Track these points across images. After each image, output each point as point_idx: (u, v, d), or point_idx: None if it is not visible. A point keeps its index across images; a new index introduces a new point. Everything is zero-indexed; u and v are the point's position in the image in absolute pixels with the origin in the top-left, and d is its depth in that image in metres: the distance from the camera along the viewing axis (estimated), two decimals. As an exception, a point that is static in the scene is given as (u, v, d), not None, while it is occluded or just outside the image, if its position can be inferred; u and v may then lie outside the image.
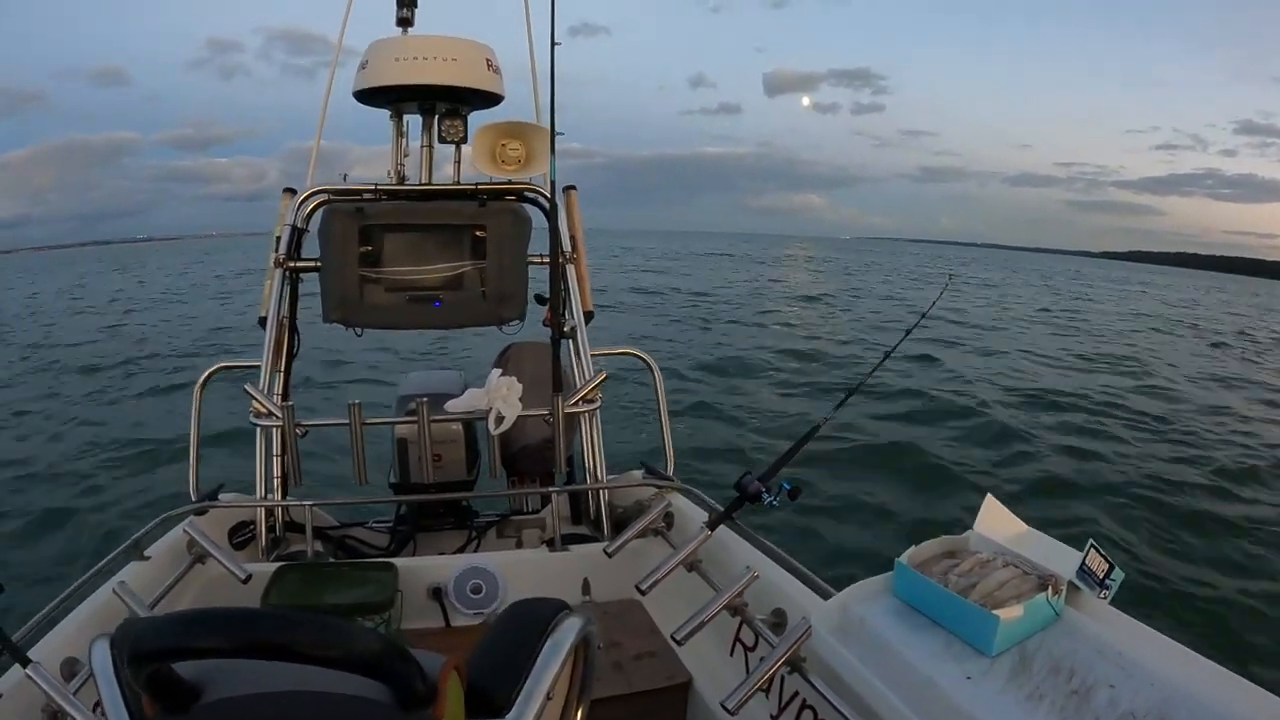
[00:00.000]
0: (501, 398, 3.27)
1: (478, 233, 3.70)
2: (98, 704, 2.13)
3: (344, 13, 3.99)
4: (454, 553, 3.57)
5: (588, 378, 3.60)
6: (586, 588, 3.19)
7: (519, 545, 3.73)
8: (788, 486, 2.50)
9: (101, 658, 1.18)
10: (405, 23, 3.83)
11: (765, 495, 2.51)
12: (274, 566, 3.07)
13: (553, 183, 3.55)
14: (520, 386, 3.31)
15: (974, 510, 2.39)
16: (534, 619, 1.48)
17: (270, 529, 3.58)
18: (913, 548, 2.24)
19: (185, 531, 2.98)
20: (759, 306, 26.94)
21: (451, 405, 3.40)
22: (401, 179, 3.85)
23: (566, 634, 1.43)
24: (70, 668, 2.21)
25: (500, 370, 3.36)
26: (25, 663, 1.96)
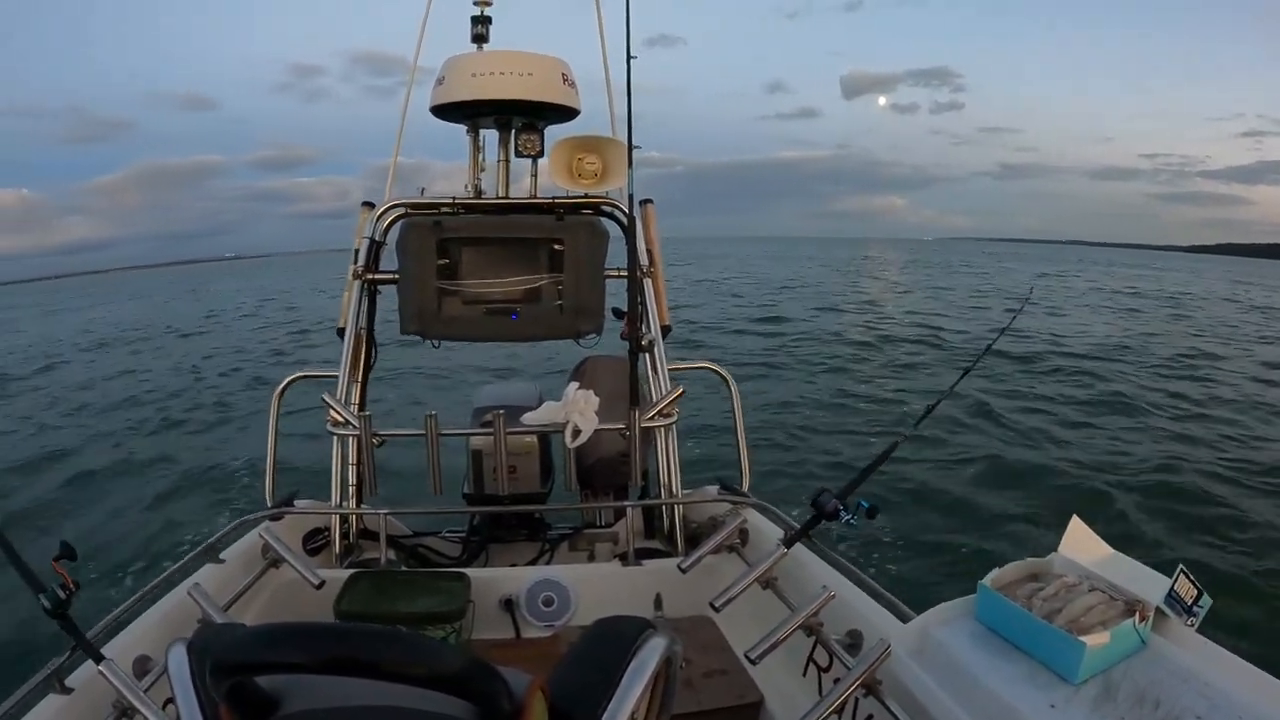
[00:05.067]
0: (579, 411, 3.32)
1: (555, 246, 3.75)
2: (168, 701, 2.19)
3: (418, 31, 4.10)
4: (526, 565, 3.62)
5: (664, 392, 3.64)
6: (659, 603, 3.21)
7: (591, 559, 3.76)
8: (866, 505, 2.48)
9: (178, 662, 1.21)
10: (480, 39, 3.91)
11: (843, 513, 2.49)
12: (347, 573, 3.15)
13: (631, 196, 3.60)
14: (597, 400, 3.36)
15: (1054, 530, 2.33)
16: (618, 638, 1.48)
17: (344, 536, 3.67)
18: (996, 570, 2.20)
19: (260, 536, 3.07)
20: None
21: (528, 418, 3.46)
22: (478, 193, 3.92)
23: (651, 654, 1.43)
24: (142, 665, 2.28)
25: (577, 384, 3.41)
26: (98, 659, 2.05)
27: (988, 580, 2.15)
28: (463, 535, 3.96)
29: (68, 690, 2.13)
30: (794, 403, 12.79)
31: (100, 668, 2.02)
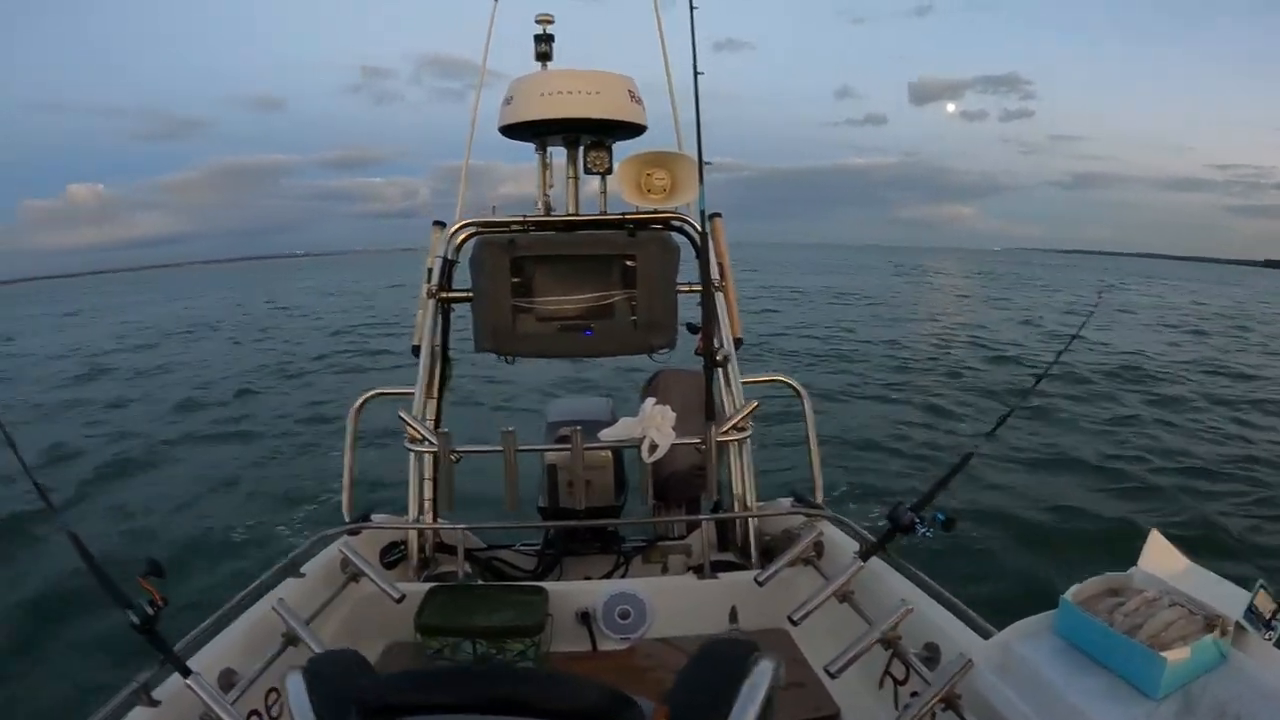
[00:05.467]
0: (655, 426, 3.34)
1: (628, 262, 3.77)
2: (252, 713, 2.25)
3: (485, 41, 4.19)
4: (601, 578, 3.65)
5: (738, 406, 3.66)
6: (734, 615, 3.20)
7: (664, 571, 3.79)
8: (942, 517, 2.51)
9: (297, 689, 1.25)
10: (544, 57, 3.94)
11: (919, 526, 2.52)
12: (426, 587, 3.22)
13: (702, 212, 3.65)
14: (674, 415, 3.38)
15: (1131, 544, 2.32)
16: (729, 661, 1.52)
17: (420, 550, 3.74)
18: (1077, 585, 2.20)
19: (340, 551, 3.15)
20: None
21: (605, 434, 3.50)
22: (548, 210, 3.96)
23: (762, 677, 1.47)
24: (228, 679, 2.37)
25: (654, 399, 3.43)
26: (186, 673, 2.11)
27: (1069, 595, 2.15)
28: (537, 549, 4.00)
29: (155, 703, 2.19)
30: (858, 414, 12.72)
31: (188, 682, 2.09)
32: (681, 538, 3.98)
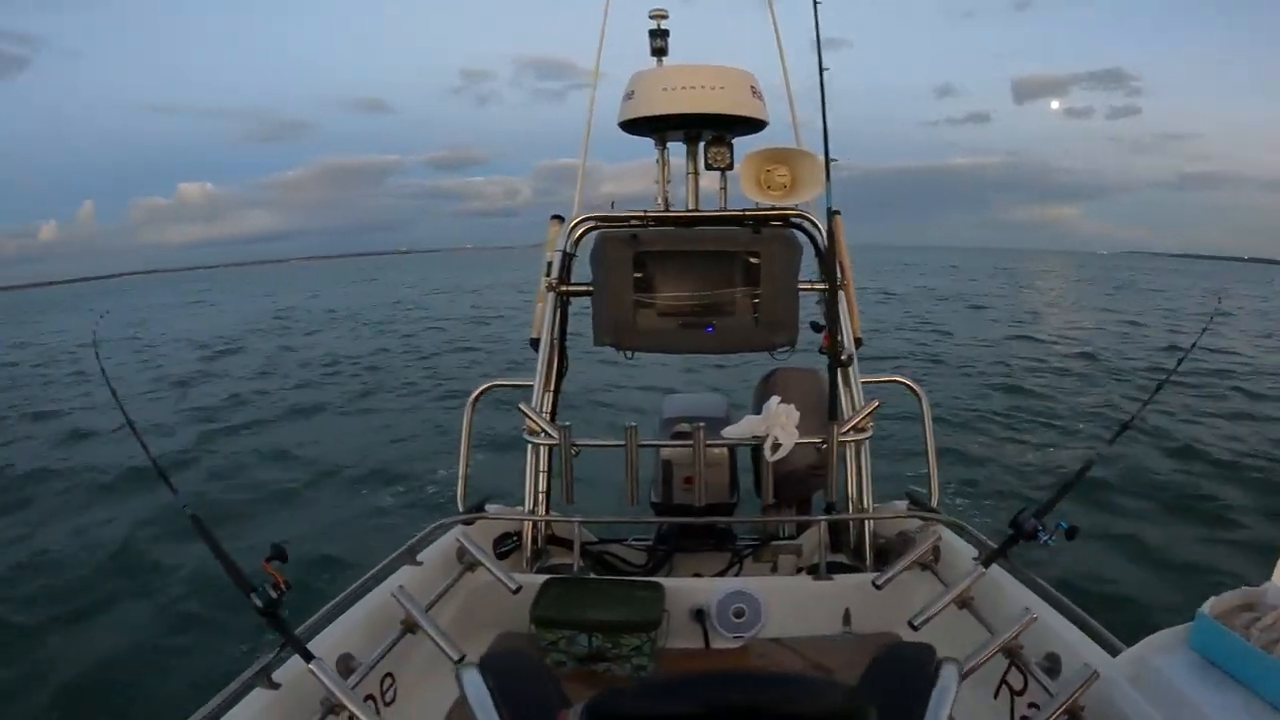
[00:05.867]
0: (780, 425, 3.33)
1: (751, 259, 3.74)
2: (367, 698, 2.30)
3: (599, 38, 4.21)
4: (713, 575, 3.64)
5: (858, 406, 3.63)
6: (847, 618, 3.19)
7: (774, 571, 3.78)
8: (1065, 526, 2.47)
9: (476, 687, 1.25)
10: (660, 53, 3.95)
11: (1041, 533, 2.48)
12: (540, 578, 3.24)
13: (829, 209, 3.64)
14: (798, 414, 3.36)
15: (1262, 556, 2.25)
16: (917, 665, 1.51)
17: (532, 541, 3.79)
18: (1213, 598, 2.14)
19: (457, 540, 3.19)
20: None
21: (729, 431, 3.50)
22: (667, 205, 3.98)
23: (950, 680, 1.46)
24: (346, 664, 2.42)
25: (778, 398, 3.41)
26: (308, 658, 2.17)
27: (1206, 608, 2.10)
28: (648, 544, 4.00)
29: (275, 686, 2.24)
30: (967, 418, 12.53)
31: (310, 666, 2.14)
32: (792, 538, 3.95)
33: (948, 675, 1.45)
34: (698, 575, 3.61)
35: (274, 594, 2.14)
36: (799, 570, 3.70)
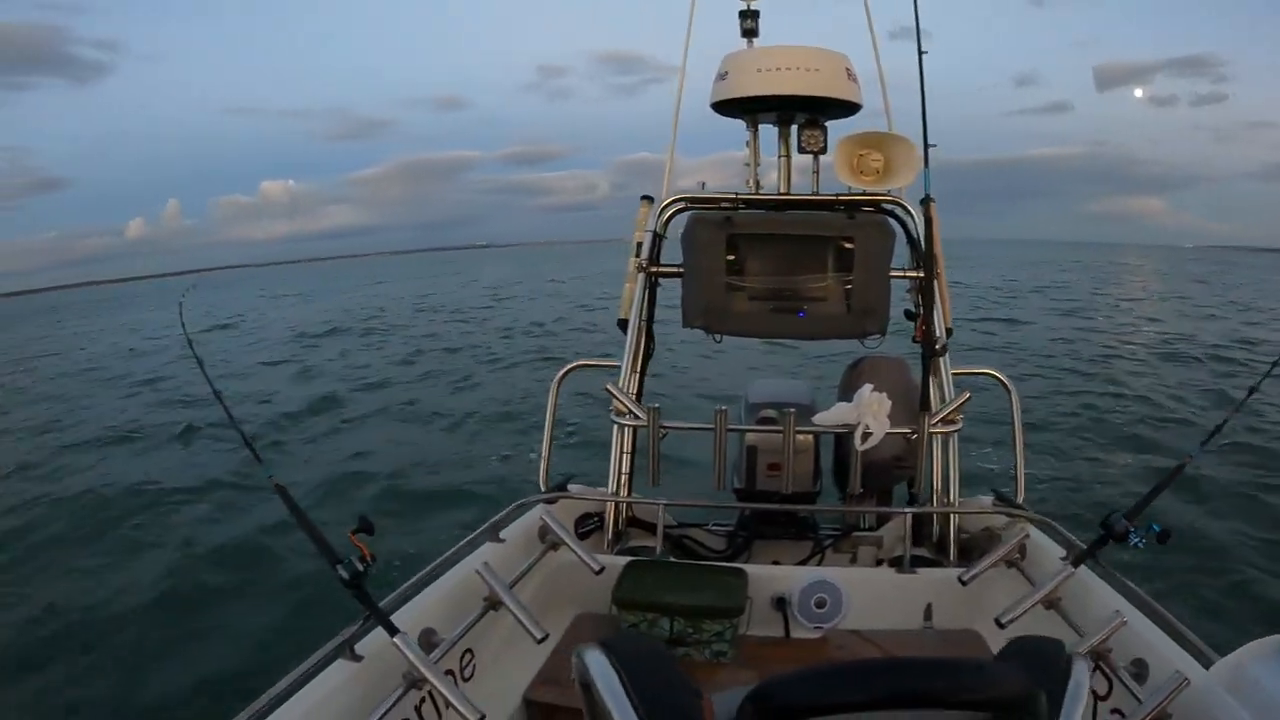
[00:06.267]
0: (872, 413, 3.27)
1: (845, 244, 3.67)
2: (447, 673, 2.29)
3: (688, 22, 4.13)
4: (794, 564, 3.60)
5: (947, 397, 3.56)
6: (928, 613, 3.13)
7: (853, 561, 3.71)
8: (1157, 529, 2.46)
9: (603, 669, 1.19)
10: (750, 34, 3.90)
11: (1132, 535, 2.48)
12: (622, 560, 3.23)
13: (927, 195, 3.56)
14: (890, 403, 3.30)
15: None
16: (1050, 659, 1.46)
17: (613, 522, 3.77)
18: None
19: (542, 519, 3.20)
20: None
21: (820, 418, 3.45)
22: (758, 188, 3.92)
23: (1083, 675, 1.40)
24: (428, 638, 2.43)
25: (871, 386, 3.35)
26: (393, 631, 2.18)
27: None
28: (727, 529, 3.96)
29: (358, 658, 2.26)
30: (1044, 413, 12.15)
31: (395, 640, 2.16)
32: (871, 528, 3.88)
33: (1079, 671, 1.38)
34: (776, 563, 3.57)
35: (360, 566, 2.15)
36: (878, 562, 3.64)
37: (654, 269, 3.91)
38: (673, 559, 3.54)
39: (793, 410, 3.37)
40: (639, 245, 3.88)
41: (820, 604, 3.11)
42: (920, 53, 3.52)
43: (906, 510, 3.49)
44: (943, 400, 3.57)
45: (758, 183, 3.93)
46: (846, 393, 3.64)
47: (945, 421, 3.45)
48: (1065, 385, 14.75)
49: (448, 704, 2.22)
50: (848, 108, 3.80)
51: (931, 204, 3.74)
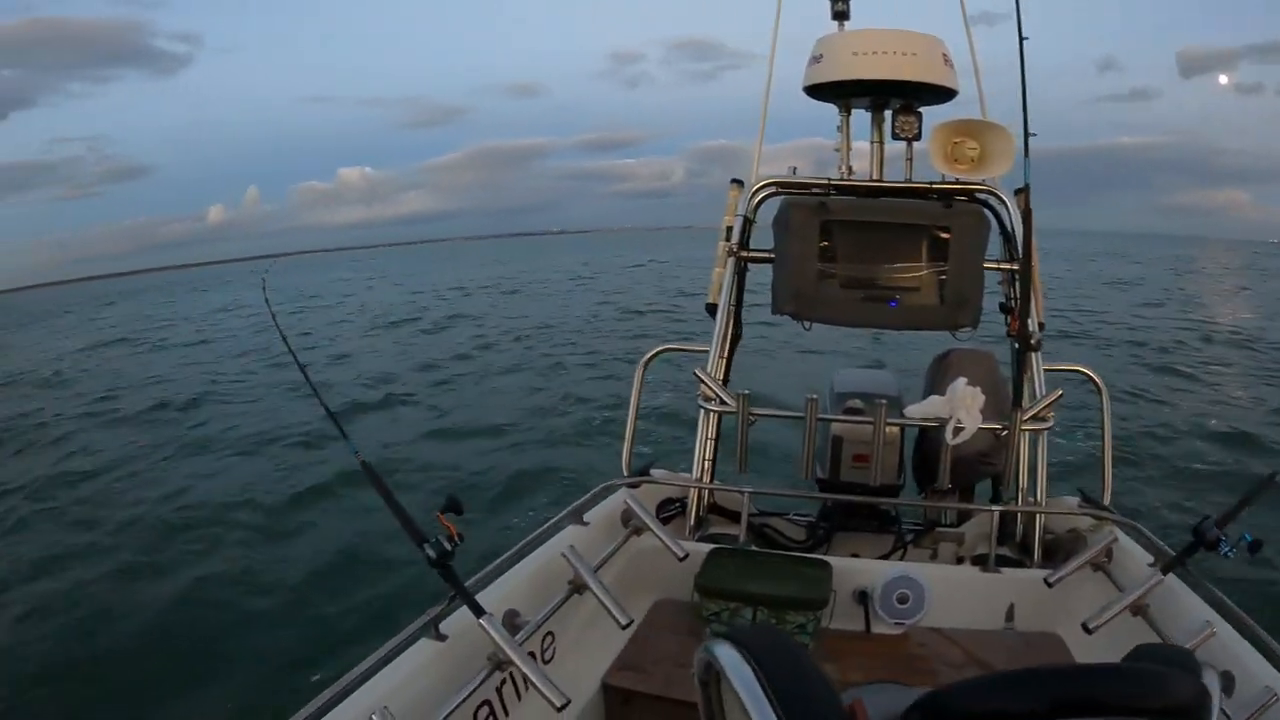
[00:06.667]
0: (965, 407, 3.21)
1: (941, 233, 3.60)
2: (528, 655, 2.29)
3: (775, 11, 4.07)
4: (874, 558, 3.52)
5: (1038, 394, 3.47)
6: (1010, 614, 3.07)
7: (933, 558, 3.65)
8: (1249, 539, 2.40)
9: (736, 665, 1.11)
10: (841, 16, 3.84)
11: (1223, 544, 2.44)
12: (704, 547, 3.20)
13: (1026, 185, 3.47)
14: (983, 398, 3.23)
15: None
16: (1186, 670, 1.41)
17: (695, 509, 3.74)
18: None
19: (626, 503, 3.19)
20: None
21: (912, 410, 3.40)
22: (850, 173, 3.85)
23: (1214, 688, 1.35)
24: (512, 619, 2.43)
25: (965, 379, 3.28)
26: (479, 612, 2.18)
27: None
28: (807, 519, 3.91)
29: (442, 637, 2.27)
30: (1127, 412, 11.79)
31: (481, 621, 2.16)
32: (952, 525, 3.82)
33: (1210, 682, 1.32)
34: (855, 556, 3.51)
35: (447, 546, 2.15)
36: (958, 560, 3.58)
37: (744, 254, 3.86)
38: (753, 547, 3.50)
39: (884, 401, 3.32)
40: (728, 229, 3.84)
41: (902, 600, 3.06)
42: (1021, 38, 3.41)
43: (993, 508, 3.41)
44: (1033, 397, 3.47)
45: (850, 168, 3.87)
46: (934, 386, 3.59)
47: (1036, 419, 3.35)
48: (1145, 382, 14.39)
49: (527, 687, 2.23)
50: (943, 93, 3.73)
51: (1024, 194, 3.64)
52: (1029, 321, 3.53)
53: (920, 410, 3.36)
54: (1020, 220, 3.60)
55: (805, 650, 1.04)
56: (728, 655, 1.10)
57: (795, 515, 3.96)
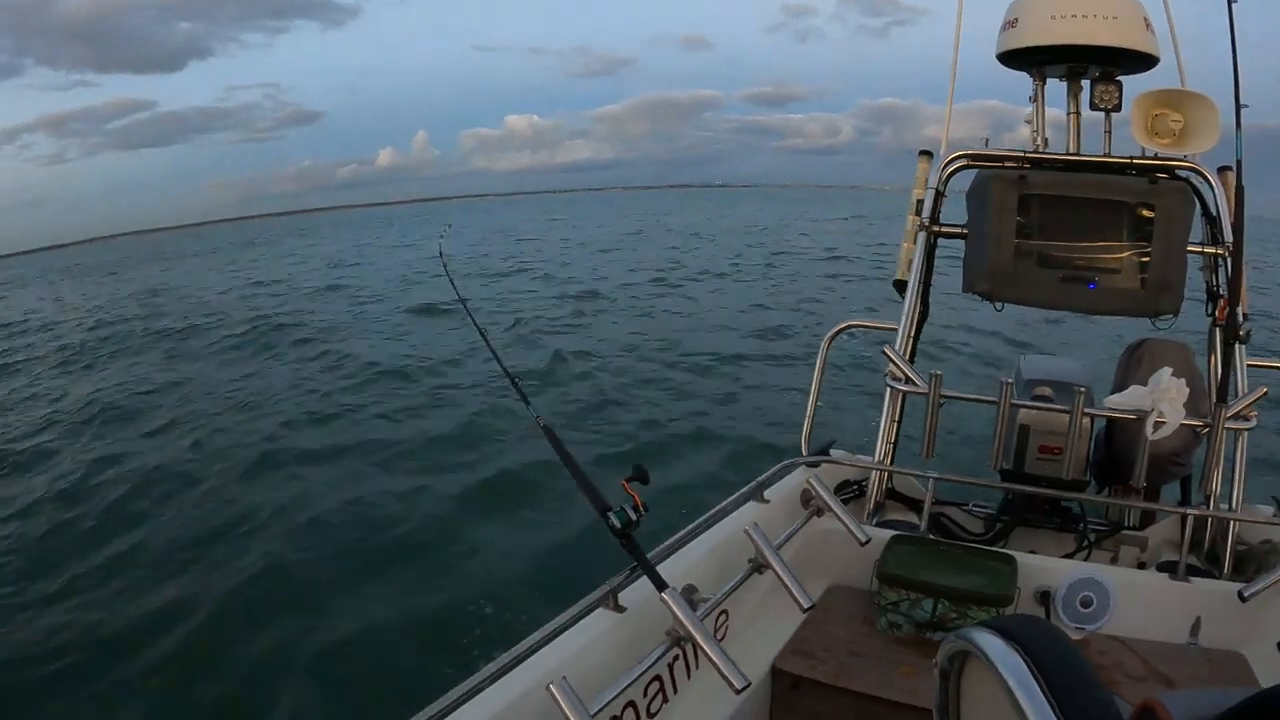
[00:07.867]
0: (1169, 401, 3.00)
1: (1144, 212, 3.38)
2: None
3: None
4: (1054, 556, 3.33)
5: (1241, 390, 3.21)
6: (1196, 628, 2.83)
7: (1114, 561, 3.43)
8: None
9: (1007, 657, 1.03)
10: None
11: None
12: (885, 534, 3.09)
13: (1238, 162, 3.20)
14: (1188, 391, 3.02)
15: None
16: None
17: (875, 493, 3.64)
18: None
19: (808, 483, 3.10)
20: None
21: (1113, 400, 3.20)
22: (1045, 145, 3.68)
23: None
24: (690, 595, 2.35)
25: (1171, 370, 3.06)
26: (661, 586, 2.11)
27: None
28: (987, 511, 3.73)
29: (621, 609, 2.24)
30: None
31: (663, 595, 2.09)
32: (1135, 527, 3.60)
33: None
34: (1033, 552, 3.31)
35: (632, 515, 2.10)
36: (1139, 564, 3.36)
37: (935, 229, 3.71)
38: (931, 536, 3.37)
39: (1082, 390, 3.13)
40: (919, 203, 3.71)
41: (1086, 603, 2.89)
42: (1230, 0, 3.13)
43: (1187, 510, 3.15)
44: (1237, 393, 3.21)
45: (1045, 140, 3.68)
46: (1130, 376, 3.38)
47: (1239, 417, 3.11)
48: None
49: (698, 664, 2.20)
50: (1145, 61, 3.50)
51: (1229, 174, 3.39)
52: (1237, 311, 3.26)
53: (1120, 401, 3.14)
54: (1227, 200, 3.37)
55: (1073, 646, 0.93)
56: (994, 645, 1.01)
57: (973, 506, 3.79)
